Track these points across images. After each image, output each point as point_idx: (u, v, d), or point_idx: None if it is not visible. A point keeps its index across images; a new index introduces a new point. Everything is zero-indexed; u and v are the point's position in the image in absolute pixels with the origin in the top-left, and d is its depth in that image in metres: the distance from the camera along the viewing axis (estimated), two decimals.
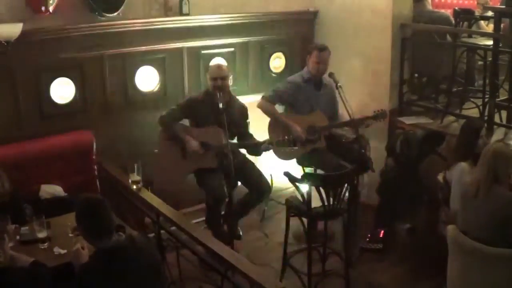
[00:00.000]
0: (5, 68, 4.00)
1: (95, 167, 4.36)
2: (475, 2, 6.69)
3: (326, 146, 4.58)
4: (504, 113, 4.64)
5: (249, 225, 4.78)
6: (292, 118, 4.57)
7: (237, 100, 4.56)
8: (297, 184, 3.79)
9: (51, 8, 3.95)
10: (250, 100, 4.82)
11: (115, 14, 4.29)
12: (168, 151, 4.33)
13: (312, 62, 4.60)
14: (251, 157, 4.58)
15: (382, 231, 4.61)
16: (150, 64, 4.71)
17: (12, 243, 3.09)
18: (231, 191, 4.05)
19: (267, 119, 4.62)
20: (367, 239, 4.59)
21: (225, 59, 4.99)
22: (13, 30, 3.74)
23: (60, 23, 4.14)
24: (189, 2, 4.73)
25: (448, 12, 5.67)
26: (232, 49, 5.14)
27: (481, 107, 4.64)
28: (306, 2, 5.55)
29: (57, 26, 4.12)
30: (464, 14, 5.46)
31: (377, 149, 4.81)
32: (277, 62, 5.50)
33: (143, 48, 4.61)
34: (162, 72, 4.77)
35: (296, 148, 4.42)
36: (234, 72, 4.88)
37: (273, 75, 5.46)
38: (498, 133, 4.47)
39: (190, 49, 4.88)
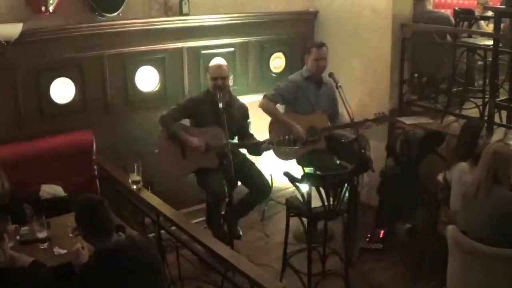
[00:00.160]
0: (5, 68, 4.00)
1: (95, 167, 4.36)
2: (475, 2, 6.70)
3: (326, 146, 4.58)
4: (504, 113, 4.64)
5: (249, 225, 4.78)
6: (292, 118, 4.57)
7: (238, 100, 4.56)
8: (297, 184, 3.79)
9: (51, 8, 3.94)
10: (250, 100, 4.82)
11: (115, 14, 4.28)
12: (169, 151, 4.33)
13: (311, 60, 4.60)
14: (251, 157, 4.58)
15: (382, 231, 4.62)
16: (150, 64, 4.71)
17: (12, 243, 3.10)
18: (231, 191, 4.05)
19: (267, 119, 4.62)
20: (367, 239, 4.59)
21: (225, 59, 4.98)
22: (13, 30, 3.74)
23: (60, 23, 4.13)
24: (189, 2, 4.73)
25: (448, 12, 5.67)
26: (232, 49, 5.14)
27: (481, 107, 4.64)
28: (306, 2, 5.55)
29: (57, 26, 4.12)
30: (464, 14, 5.46)
31: (377, 149, 4.81)
32: (277, 62, 5.50)
33: (143, 48, 4.62)
34: (162, 72, 4.77)
35: (296, 148, 4.42)
36: (234, 72, 4.88)
37: (273, 75, 5.46)
38: (498, 133, 4.47)
39: (190, 49, 4.88)
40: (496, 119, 4.57)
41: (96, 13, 4.22)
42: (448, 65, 4.85)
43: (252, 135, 4.53)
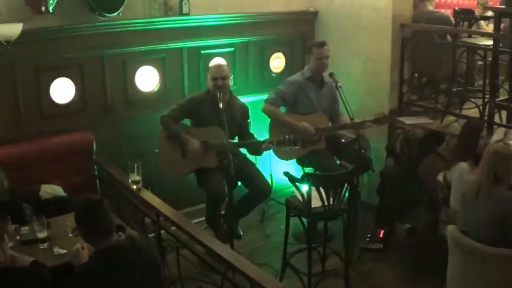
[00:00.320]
0: (5, 68, 4.00)
1: (95, 167, 4.36)
2: (475, 2, 6.70)
3: (326, 146, 4.58)
4: (504, 113, 4.63)
5: (249, 225, 4.78)
6: (293, 118, 4.57)
7: (238, 99, 4.56)
8: (297, 184, 3.79)
9: (51, 8, 3.94)
10: (250, 100, 4.82)
11: (115, 14, 4.28)
12: (169, 151, 4.33)
13: (314, 59, 4.60)
14: (251, 157, 4.58)
15: (382, 231, 4.62)
16: (150, 64, 4.71)
17: (12, 243, 3.09)
18: (231, 191, 4.05)
19: (267, 119, 4.62)
20: (367, 239, 4.59)
21: (225, 59, 4.99)
22: (13, 30, 3.73)
23: (60, 23, 4.14)
24: (189, 2, 4.73)
25: (448, 12, 5.67)
26: (232, 49, 5.13)
27: (481, 107, 4.63)
28: (306, 2, 5.55)
29: (57, 26, 4.12)
30: (464, 14, 5.45)
31: (377, 149, 4.81)
32: (277, 62, 5.50)
33: (143, 48, 4.62)
34: (162, 72, 4.77)
35: (297, 147, 4.42)
36: (234, 72, 4.88)
37: (273, 75, 5.46)
38: (498, 133, 4.46)
39: (190, 49, 4.87)
40: (496, 119, 4.57)
41: (96, 13, 4.22)
42: (448, 65, 4.86)
43: (252, 135, 4.54)
